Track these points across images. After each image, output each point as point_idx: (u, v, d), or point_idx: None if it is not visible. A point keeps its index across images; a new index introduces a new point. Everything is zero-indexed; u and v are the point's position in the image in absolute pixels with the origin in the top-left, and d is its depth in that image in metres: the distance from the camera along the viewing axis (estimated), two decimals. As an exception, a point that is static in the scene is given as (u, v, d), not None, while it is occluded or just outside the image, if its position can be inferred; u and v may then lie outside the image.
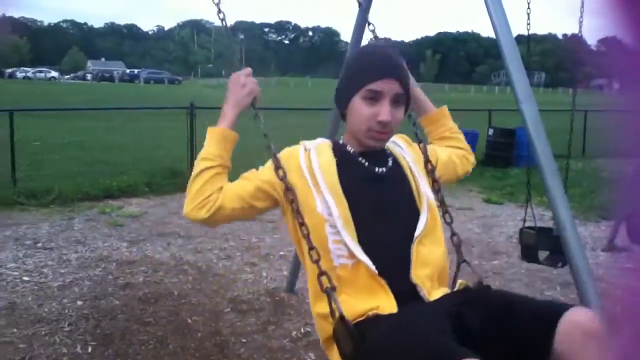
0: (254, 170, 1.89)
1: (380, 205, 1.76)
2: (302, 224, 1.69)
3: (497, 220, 7.41)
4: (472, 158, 2.24)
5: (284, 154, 1.84)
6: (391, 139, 1.92)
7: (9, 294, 4.51)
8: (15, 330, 3.89)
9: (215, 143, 1.84)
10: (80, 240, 5.96)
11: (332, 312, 1.58)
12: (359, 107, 1.77)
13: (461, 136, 2.24)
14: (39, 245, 5.75)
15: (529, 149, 2.70)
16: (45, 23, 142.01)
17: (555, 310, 1.47)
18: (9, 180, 7.93)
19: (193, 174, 1.84)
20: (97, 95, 30.74)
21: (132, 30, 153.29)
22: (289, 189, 1.73)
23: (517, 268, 5.46)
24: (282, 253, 5.71)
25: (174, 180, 8.24)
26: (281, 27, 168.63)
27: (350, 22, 4.30)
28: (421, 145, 2.02)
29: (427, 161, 1.97)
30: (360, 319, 1.62)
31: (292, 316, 4.29)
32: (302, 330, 4.06)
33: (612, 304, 2.54)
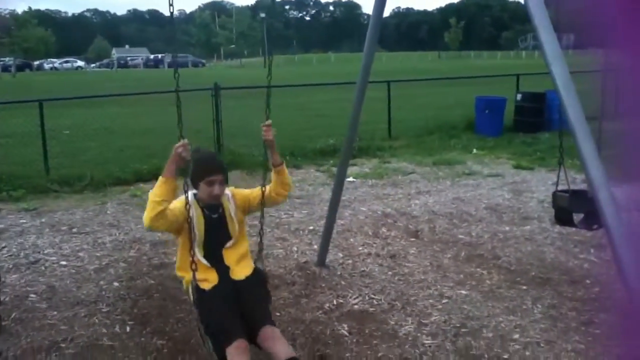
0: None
1: (213, 234, 3.12)
2: (191, 237, 2.98)
3: (527, 185, 7.30)
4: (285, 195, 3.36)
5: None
6: (225, 192, 3.16)
7: (48, 278, 4.64)
8: (55, 312, 4.02)
9: (164, 187, 2.88)
10: (114, 223, 6.08)
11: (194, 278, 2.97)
12: (203, 187, 3.08)
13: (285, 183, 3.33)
14: (74, 230, 5.89)
15: (560, 111, 2.64)
16: (70, 14, 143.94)
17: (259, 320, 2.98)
18: (42, 168, 8.11)
19: (148, 203, 2.89)
20: (123, 82, 31.03)
21: (154, 16, 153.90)
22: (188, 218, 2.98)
23: (550, 232, 5.39)
24: (311, 228, 5.74)
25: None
26: (301, 3, 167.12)
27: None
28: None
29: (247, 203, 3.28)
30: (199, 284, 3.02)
31: (324, 289, 4.32)
32: (334, 302, 4.09)
33: None
